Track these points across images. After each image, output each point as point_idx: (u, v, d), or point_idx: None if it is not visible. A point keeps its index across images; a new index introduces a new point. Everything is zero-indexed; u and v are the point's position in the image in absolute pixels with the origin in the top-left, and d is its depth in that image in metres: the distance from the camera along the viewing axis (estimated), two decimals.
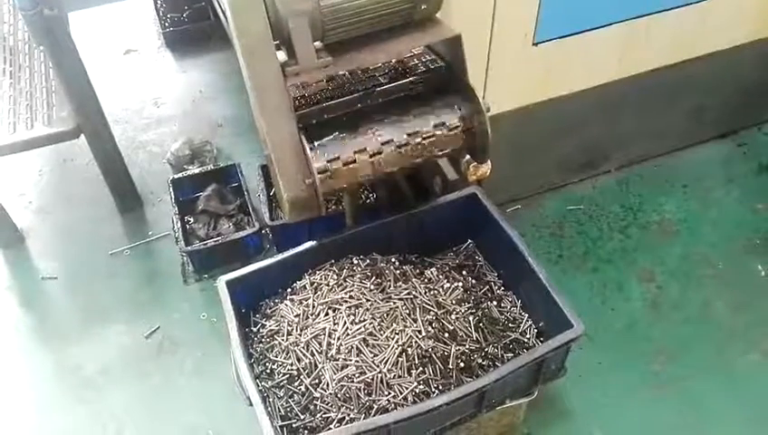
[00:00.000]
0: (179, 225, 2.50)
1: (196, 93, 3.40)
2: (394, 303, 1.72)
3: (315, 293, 1.79)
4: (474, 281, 1.94)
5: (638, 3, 2.22)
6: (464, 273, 1.96)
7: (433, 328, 1.67)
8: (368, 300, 1.71)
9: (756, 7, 2.45)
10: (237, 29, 1.48)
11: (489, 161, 1.78)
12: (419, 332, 1.65)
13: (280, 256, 1.87)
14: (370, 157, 1.61)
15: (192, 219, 2.61)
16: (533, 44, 2.16)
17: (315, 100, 1.71)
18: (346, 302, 1.72)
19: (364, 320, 1.66)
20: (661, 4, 2.26)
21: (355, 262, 1.89)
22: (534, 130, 2.46)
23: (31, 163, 3.04)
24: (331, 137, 1.62)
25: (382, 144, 1.60)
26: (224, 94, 3.37)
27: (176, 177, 2.66)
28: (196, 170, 2.72)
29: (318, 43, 1.54)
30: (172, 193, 2.60)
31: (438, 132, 1.64)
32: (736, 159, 2.87)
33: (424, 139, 1.63)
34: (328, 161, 1.57)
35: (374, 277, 1.82)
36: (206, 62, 3.58)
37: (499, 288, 1.99)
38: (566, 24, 2.16)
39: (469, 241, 2.14)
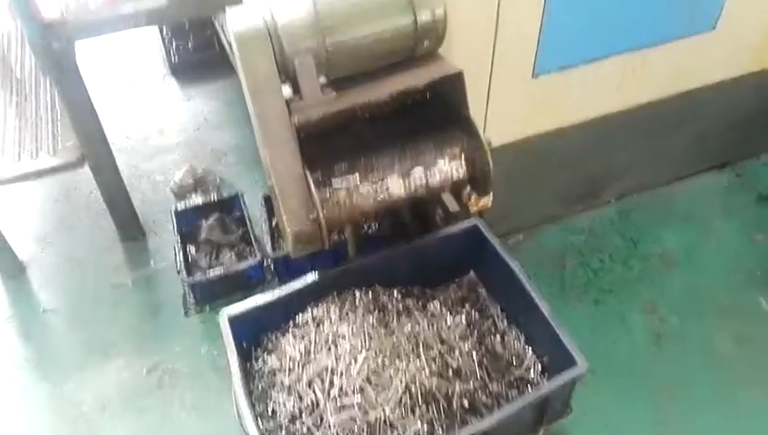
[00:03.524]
0: (181, 255, 2.50)
1: (201, 121, 3.42)
2: (397, 338, 1.71)
3: (317, 327, 1.79)
4: (477, 315, 1.94)
5: (635, 35, 2.25)
6: (466, 306, 1.96)
7: (437, 365, 1.66)
8: (370, 336, 1.71)
9: (752, 41, 2.49)
10: (244, 66, 1.50)
11: (490, 193, 1.80)
12: (423, 369, 1.64)
13: (282, 290, 1.87)
14: (375, 194, 1.63)
15: (194, 249, 2.61)
16: (533, 77, 2.18)
17: (318, 123, 1.72)
18: (348, 337, 1.72)
19: (367, 357, 1.66)
20: (658, 36, 2.29)
21: (357, 295, 1.89)
22: (534, 162, 2.48)
23: (33, 192, 3.05)
24: (335, 172, 1.64)
25: (386, 182, 1.61)
26: (228, 122, 3.40)
27: (178, 206, 2.67)
28: (199, 200, 2.73)
29: (322, 79, 1.57)
30: (175, 223, 2.60)
31: (441, 169, 1.65)
32: (735, 190, 2.89)
33: (427, 176, 1.65)
34: (332, 198, 1.58)
35: (377, 311, 1.82)
36: (211, 90, 3.62)
37: (502, 322, 1.98)
38: (565, 57, 2.19)
39: (471, 272, 2.14)
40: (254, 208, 2.70)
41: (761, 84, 2.65)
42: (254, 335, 1.89)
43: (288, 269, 2.40)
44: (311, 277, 1.89)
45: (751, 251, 2.64)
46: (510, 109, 2.24)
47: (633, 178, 2.82)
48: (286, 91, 1.56)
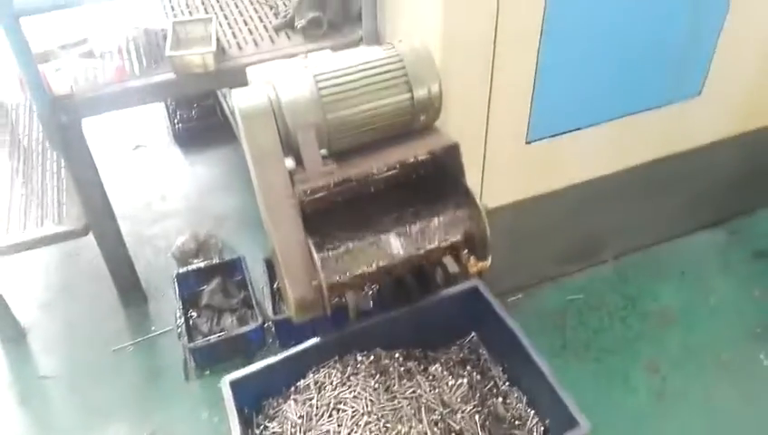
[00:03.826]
0: (182, 320, 2.52)
1: (203, 187, 3.50)
2: (399, 402, 1.72)
3: (319, 392, 1.79)
4: (478, 377, 1.94)
5: (624, 103, 2.35)
6: (468, 368, 1.97)
7: (439, 428, 1.66)
8: (372, 400, 1.71)
9: (736, 105, 2.59)
10: (248, 139, 1.57)
11: (489, 257, 1.84)
12: (425, 433, 1.64)
13: (283, 355, 1.88)
14: (375, 258, 1.67)
15: (195, 314, 2.63)
16: (527, 143, 2.26)
17: (320, 192, 1.78)
18: (350, 402, 1.72)
19: (369, 422, 1.66)
20: (646, 103, 2.39)
21: (359, 359, 1.89)
22: (531, 223, 2.53)
23: (37, 258, 3.08)
24: (336, 238, 1.68)
25: (386, 247, 1.65)
26: (230, 187, 3.47)
27: (180, 271, 2.70)
28: (201, 264, 2.77)
29: (324, 151, 1.63)
30: (176, 288, 2.63)
31: (440, 234, 1.70)
32: (730, 247, 2.93)
33: (426, 240, 1.69)
34: (333, 263, 1.62)
35: (378, 375, 1.82)
36: (214, 156, 3.71)
37: (504, 383, 1.98)
38: (556, 124, 2.28)
39: (472, 334, 2.15)
40: (255, 271, 2.74)
41: (747, 145, 2.74)
42: (256, 401, 1.88)
43: (289, 332, 2.42)
44: (312, 342, 1.90)
45: (749, 307, 2.66)
46: (505, 174, 2.31)
47: (629, 238, 2.87)
48: (289, 163, 1.62)
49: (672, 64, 2.32)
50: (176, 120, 3.85)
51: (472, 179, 1.76)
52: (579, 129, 2.31)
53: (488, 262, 1.87)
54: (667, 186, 2.74)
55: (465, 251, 1.86)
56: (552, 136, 2.28)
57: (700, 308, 2.67)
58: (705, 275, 2.80)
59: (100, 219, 2.53)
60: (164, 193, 3.47)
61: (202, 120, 3.84)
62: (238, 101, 1.54)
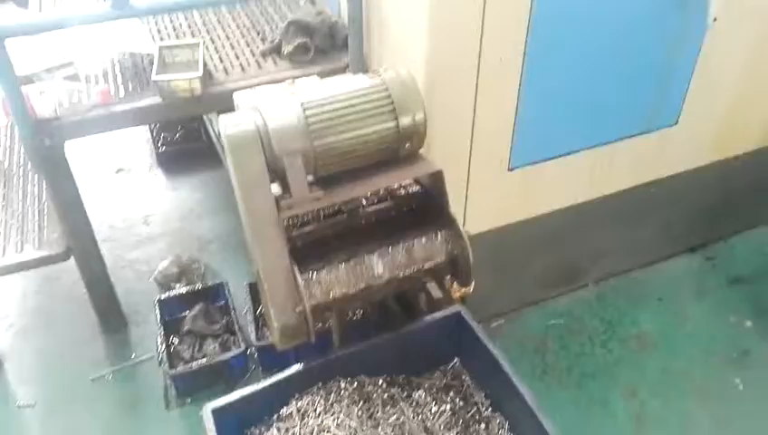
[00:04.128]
0: (163, 347, 2.49)
1: (186, 211, 3.48)
2: (383, 429, 1.71)
3: (302, 420, 1.78)
4: (461, 403, 1.95)
5: (603, 132, 2.41)
6: (451, 394, 1.97)
7: None
8: (355, 428, 1.71)
9: (711, 134, 2.67)
10: (235, 165, 1.58)
11: (472, 282, 1.86)
12: None
13: (266, 382, 1.86)
14: (359, 284, 1.68)
15: (177, 340, 2.60)
16: (509, 170, 2.31)
17: (306, 218, 1.79)
18: (334, 430, 1.71)
19: None
20: (624, 132, 2.45)
21: (342, 385, 1.89)
22: (513, 248, 2.56)
23: (15, 283, 3.04)
24: (321, 263, 1.69)
25: (370, 272, 1.67)
26: (213, 211, 3.46)
27: (162, 296, 2.68)
28: (183, 290, 2.75)
29: (310, 177, 1.65)
30: (158, 313, 2.60)
31: (423, 259, 1.72)
32: (706, 272, 2.99)
33: (410, 266, 1.71)
34: (318, 289, 1.63)
35: (362, 402, 1.82)
36: (197, 180, 3.70)
37: (486, 409, 1.98)
38: (537, 152, 2.33)
39: (456, 359, 2.16)
40: (238, 296, 2.72)
41: (722, 173, 2.81)
42: (239, 429, 1.86)
43: (272, 358, 2.40)
44: (295, 368, 1.90)
45: (725, 332, 2.71)
46: (488, 200, 2.35)
47: (609, 263, 2.91)
48: (275, 188, 1.63)
49: (650, 95, 2.39)
50: (159, 143, 3.85)
51: (455, 205, 1.79)
52: (560, 156, 2.36)
53: (471, 287, 1.89)
54: (645, 212, 2.80)
55: (449, 276, 1.88)
56: (534, 163, 2.33)
57: (677, 333, 2.71)
58: (682, 301, 2.85)
59: (81, 244, 2.50)
60: (146, 217, 3.45)
61: (186, 143, 3.84)
62: (225, 127, 1.56)
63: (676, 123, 2.52)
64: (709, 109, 2.56)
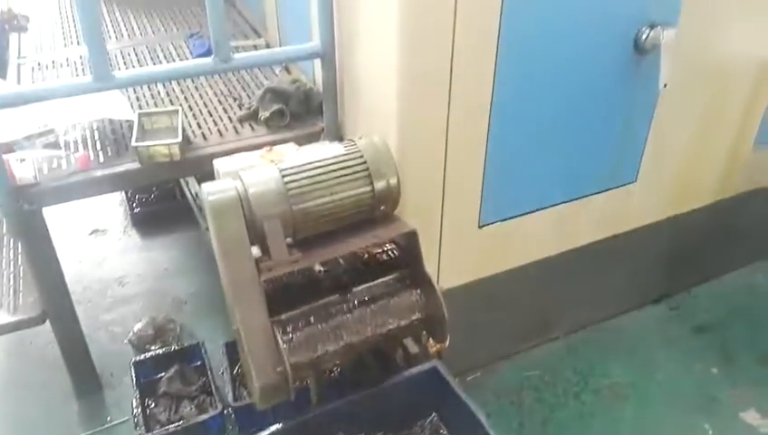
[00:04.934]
0: (139, 410, 2.46)
1: (161, 271, 3.49)
2: None
3: None
4: None
5: (567, 190, 2.53)
6: None
7: None
8: None
9: (667, 191, 2.82)
10: (217, 230, 1.64)
11: (447, 338, 1.92)
12: None
13: None
14: (337, 341, 1.73)
15: (153, 403, 2.58)
16: (479, 227, 2.40)
17: (285, 279, 1.84)
18: None
19: None
20: (587, 190, 2.58)
21: None
22: (485, 302, 2.63)
23: None
24: (300, 323, 1.74)
25: (348, 330, 1.72)
26: (188, 271, 3.47)
27: (137, 359, 2.66)
28: (159, 351, 2.73)
29: (289, 240, 1.72)
30: (133, 376, 2.58)
31: (400, 317, 1.78)
32: (671, 322, 3.09)
33: (386, 323, 1.77)
34: (297, 348, 1.67)
35: None
36: (172, 240, 3.72)
37: None
38: (506, 210, 2.43)
39: (433, 414, 2.19)
40: (215, 356, 2.72)
41: (678, 227, 2.95)
42: None
43: (250, 419, 2.39)
44: (273, 428, 1.91)
45: (692, 381, 2.79)
46: (460, 256, 2.43)
47: (578, 314, 3.00)
48: (255, 251, 1.69)
49: (610, 154, 2.53)
50: (134, 204, 3.88)
51: (429, 262, 1.87)
52: (528, 213, 2.47)
53: (447, 343, 1.95)
54: (609, 265, 2.91)
55: (424, 332, 1.94)
56: (503, 220, 2.43)
57: (647, 383, 2.78)
58: (650, 351, 2.94)
59: (57, 307, 2.50)
60: (121, 277, 3.44)
61: (161, 204, 3.88)
62: (208, 194, 1.63)
63: (636, 181, 2.67)
64: (665, 168, 2.72)
